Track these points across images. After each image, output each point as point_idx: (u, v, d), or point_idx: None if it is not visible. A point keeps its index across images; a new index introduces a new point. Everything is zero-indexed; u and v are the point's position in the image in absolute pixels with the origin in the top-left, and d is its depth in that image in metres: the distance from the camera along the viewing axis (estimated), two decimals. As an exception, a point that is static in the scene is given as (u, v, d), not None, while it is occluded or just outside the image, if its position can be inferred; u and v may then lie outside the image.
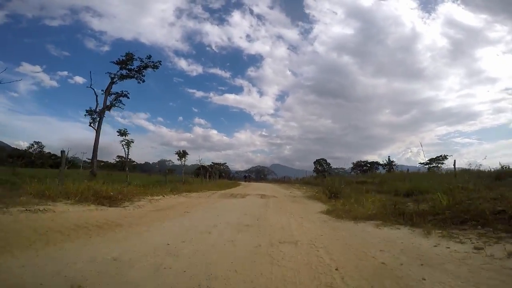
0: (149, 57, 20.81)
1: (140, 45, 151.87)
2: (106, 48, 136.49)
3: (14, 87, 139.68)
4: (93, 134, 20.03)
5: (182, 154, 36.35)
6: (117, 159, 75.98)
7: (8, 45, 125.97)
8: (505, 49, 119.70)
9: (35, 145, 51.15)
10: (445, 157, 32.22)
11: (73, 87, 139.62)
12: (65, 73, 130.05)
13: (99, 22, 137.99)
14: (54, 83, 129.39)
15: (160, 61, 21.68)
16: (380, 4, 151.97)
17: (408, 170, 32.02)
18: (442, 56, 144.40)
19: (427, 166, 32.94)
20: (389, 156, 46.37)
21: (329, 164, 78.93)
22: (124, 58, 20.31)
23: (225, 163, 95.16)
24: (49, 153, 49.52)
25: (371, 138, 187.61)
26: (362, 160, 48.65)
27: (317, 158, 79.00)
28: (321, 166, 77.88)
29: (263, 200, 11.35)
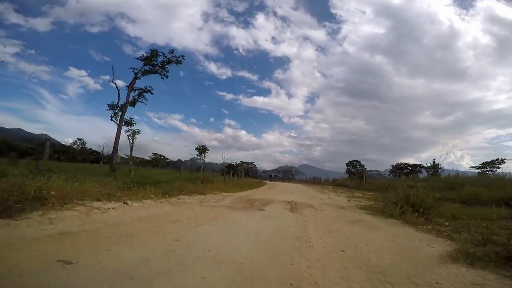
0: (172, 51, 20.03)
1: (172, 49, 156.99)
2: (142, 53, 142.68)
3: (64, 90, 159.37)
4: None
5: (202, 150, 33.46)
6: (152, 156, 77.95)
7: (56, 51, 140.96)
8: None
9: (78, 142, 54.19)
10: (502, 161, 25.86)
11: (114, 90, 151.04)
12: (107, 77, 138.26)
13: (134, 28, 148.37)
14: (98, 86, 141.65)
15: (183, 56, 20.72)
16: (411, 2, 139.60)
17: (458, 173, 25.79)
18: (487, 54, 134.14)
19: (479, 170, 26.66)
20: (434, 159, 38.86)
21: (363, 166, 71.66)
22: (148, 54, 19.86)
23: (253, 162, 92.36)
24: (91, 149, 51.96)
25: (409, 141, 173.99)
26: (402, 162, 41.62)
27: (350, 160, 72.32)
28: (354, 167, 70.91)
29: (294, 215, 6.71)
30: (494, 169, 25.50)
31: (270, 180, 54.87)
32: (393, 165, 40.19)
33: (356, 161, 71.52)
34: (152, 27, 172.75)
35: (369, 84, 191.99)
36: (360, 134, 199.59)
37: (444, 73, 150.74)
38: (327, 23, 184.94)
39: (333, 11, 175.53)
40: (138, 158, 68.34)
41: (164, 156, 75.64)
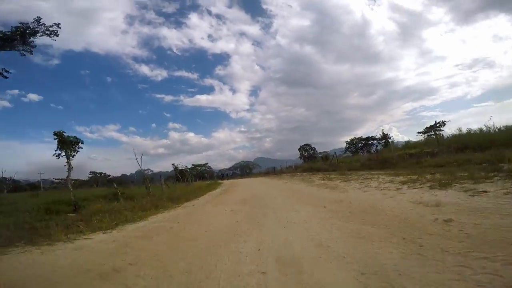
0: (39, 19, 13.40)
1: (93, 54, 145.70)
2: (56, 61, 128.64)
3: None
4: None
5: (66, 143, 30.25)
6: (90, 175, 68.96)
7: None
8: (446, 29, 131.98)
9: None
10: (443, 123, 28.88)
11: (28, 105, 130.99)
12: (16, 91, 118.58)
13: (41, 36, 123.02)
14: (6, 103, 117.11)
15: (59, 24, 13.88)
16: None
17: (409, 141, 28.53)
18: (394, 39, 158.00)
19: (425, 134, 29.66)
20: (382, 129, 42.59)
21: (314, 148, 75.38)
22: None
23: (207, 163, 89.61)
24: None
25: (344, 121, 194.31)
26: (355, 137, 43.67)
27: (301, 145, 75.27)
28: (306, 151, 74.13)
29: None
30: (438, 132, 27.33)
31: (223, 179, 53.72)
32: (347, 141, 41.90)
33: (307, 144, 74.67)
34: (65, 33, 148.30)
35: (303, 73, 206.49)
36: (303, 121, 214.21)
37: (363, 57, 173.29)
38: (260, 18, 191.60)
39: (264, 6, 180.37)
40: (72, 179, 60.25)
41: (104, 174, 70.75)
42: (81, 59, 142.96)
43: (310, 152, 73.65)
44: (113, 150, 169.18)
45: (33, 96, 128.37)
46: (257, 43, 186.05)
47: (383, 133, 37.97)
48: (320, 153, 75.03)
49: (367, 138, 39.71)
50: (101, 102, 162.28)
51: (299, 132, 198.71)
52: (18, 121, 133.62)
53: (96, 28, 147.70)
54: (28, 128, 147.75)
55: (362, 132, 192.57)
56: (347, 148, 40.47)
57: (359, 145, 40.93)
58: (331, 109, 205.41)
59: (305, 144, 74.39)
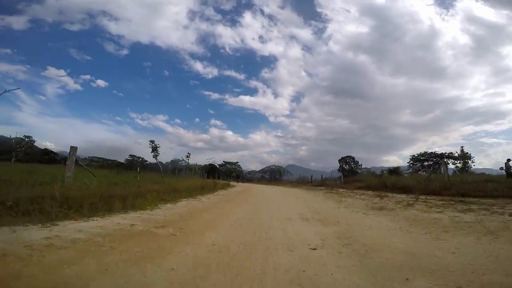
0: None
1: (156, 48, 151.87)
2: (125, 52, 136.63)
3: (42, 91, 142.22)
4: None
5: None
6: (129, 158, 69.06)
7: (34, 50, 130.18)
8: None
9: (26, 139, 46.18)
10: None
11: (95, 90, 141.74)
12: (88, 76, 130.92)
13: (117, 26, 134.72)
14: (78, 87, 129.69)
15: None
16: (394, 1, 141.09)
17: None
18: (465, 54, 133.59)
19: None
20: (462, 147, 31.05)
21: (357, 162, 64.61)
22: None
23: (237, 162, 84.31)
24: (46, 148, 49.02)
25: (391, 139, 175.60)
26: (425, 151, 32.46)
27: (342, 156, 65.08)
28: (347, 164, 63.70)
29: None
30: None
31: (238, 182, 48.27)
32: (411, 157, 31.36)
33: (349, 157, 64.26)
34: (136, 25, 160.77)
35: (353, 83, 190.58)
36: (345, 133, 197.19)
37: (424, 72, 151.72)
38: (313, 22, 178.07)
39: (319, 10, 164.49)
40: (109, 160, 58.41)
41: (142, 158, 69.78)
42: (146, 51, 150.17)
43: (352, 165, 63.22)
44: (158, 138, 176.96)
45: (100, 82, 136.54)
46: (307, 48, 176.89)
47: (462, 151, 27.36)
48: (364, 168, 64.68)
49: (441, 155, 28.98)
50: (155, 93, 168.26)
51: (339, 144, 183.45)
52: (85, 103, 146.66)
53: (162, 21, 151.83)
54: (90, 110, 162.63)
55: (408, 152, 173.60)
56: (410, 165, 29.80)
57: (426, 162, 30.20)
58: (379, 124, 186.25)
59: (347, 156, 64.11)
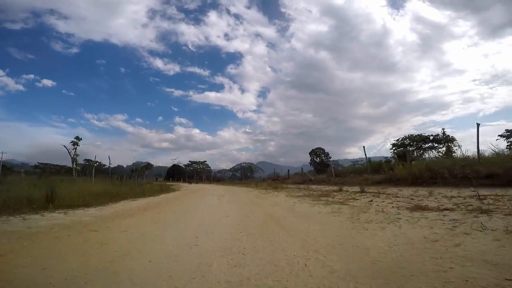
0: None
1: (111, 45, 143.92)
2: (75, 50, 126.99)
3: None
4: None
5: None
6: (85, 163, 62.14)
7: None
8: (469, 43, 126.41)
9: None
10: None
11: (42, 90, 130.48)
12: (31, 76, 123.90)
13: (66, 25, 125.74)
14: (20, 87, 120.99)
15: None
16: (352, 2, 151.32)
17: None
18: (413, 50, 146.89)
19: None
20: (443, 129, 29.35)
21: (328, 154, 63.60)
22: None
23: (205, 161, 79.60)
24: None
25: (351, 131, 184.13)
26: (411, 134, 28.64)
27: (312, 148, 63.67)
28: (318, 157, 62.41)
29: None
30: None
31: (190, 182, 45.64)
32: (394, 142, 27.71)
33: (320, 149, 62.78)
34: (88, 23, 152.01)
35: (315, 78, 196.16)
36: (309, 126, 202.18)
37: (378, 67, 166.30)
38: (277, 21, 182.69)
39: (283, 10, 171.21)
40: (54, 165, 50.86)
41: (100, 162, 64.25)
42: (99, 49, 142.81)
43: (323, 157, 61.99)
44: (118, 139, 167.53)
45: (47, 82, 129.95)
46: (271, 45, 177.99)
47: (444, 134, 25.96)
48: (332, 161, 63.83)
49: (424, 139, 26.75)
50: (112, 91, 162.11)
51: (304, 138, 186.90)
52: (29, 105, 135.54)
53: (118, 19, 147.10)
54: (37, 112, 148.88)
55: (367, 143, 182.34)
56: (395, 151, 26.81)
57: (410, 147, 27.58)
58: (339, 117, 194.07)
59: (317, 148, 62.62)
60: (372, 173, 14.48)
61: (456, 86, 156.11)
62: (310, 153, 61.73)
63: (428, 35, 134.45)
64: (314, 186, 14.25)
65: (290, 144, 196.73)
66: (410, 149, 25.05)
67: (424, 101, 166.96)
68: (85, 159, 62.34)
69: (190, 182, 46.85)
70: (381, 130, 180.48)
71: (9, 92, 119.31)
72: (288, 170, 31.52)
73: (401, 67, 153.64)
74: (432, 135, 26.41)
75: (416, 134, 27.69)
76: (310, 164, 59.49)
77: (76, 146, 22.01)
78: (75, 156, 22.85)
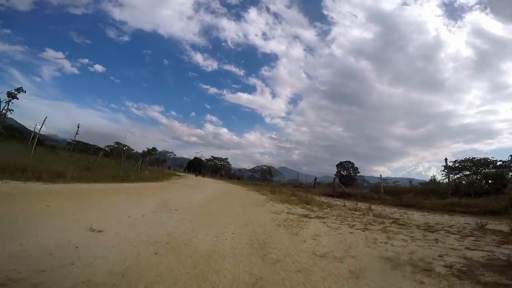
0: None
1: (158, 36, 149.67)
2: (126, 38, 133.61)
3: (38, 72, 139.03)
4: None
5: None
6: (113, 145, 64.00)
7: (34, 31, 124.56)
8: None
9: None
10: None
11: (93, 75, 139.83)
12: (86, 60, 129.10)
13: (120, 12, 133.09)
14: (75, 70, 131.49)
15: None
16: (403, 9, 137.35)
17: None
18: (466, 67, 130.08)
19: None
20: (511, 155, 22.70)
21: (357, 168, 57.72)
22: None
23: (226, 158, 77.68)
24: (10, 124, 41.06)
25: (382, 150, 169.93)
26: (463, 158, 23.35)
27: (341, 161, 58.01)
28: (346, 170, 56.75)
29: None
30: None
31: (197, 175, 43.79)
32: (455, 162, 22.21)
33: (348, 162, 57.24)
34: (140, 12, 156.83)
35: (351, 89, 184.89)
36: (338, 140, 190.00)
37: (422, 83, 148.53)
38: (318, 24, 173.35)
39: (325, 12, 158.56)
40: (87, 144, 51.67)
41: (128, 147, 66.96)
42: (147, 39, 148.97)
43: (351, 171, 56.23)
44: (151, 129, 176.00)
45: (98, 67, 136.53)
46: (309, 49, 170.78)
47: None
48: (359, 176, 57.71)
49: (488, 163, 21.07)
50: (153, 82, 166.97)
51: (331, 152, 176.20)
52: (80, 87, 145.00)
53: (167, 10, 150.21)
54: (85, 95, 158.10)
55: (398, 165, 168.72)
56: (452, 169, 21.43)
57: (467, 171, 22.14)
58: (372, 135, 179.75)
59: (346, 161, 57.06)
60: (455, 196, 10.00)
61: (509, 112, 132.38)
62: (338, 165, 56.43)
63: (486, 51, 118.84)
64: (362, 205, 10.20)
65: (315, 155, 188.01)
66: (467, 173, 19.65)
67: (469, 126, 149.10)
68: (115, 142, 65.76)
69: (196, 175, 44.90)
70: (415, 153, 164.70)
71: (65, 74, 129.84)
72: (315, 178, 27.12)
73: (448, 85, 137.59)
74: (501, 160, 20.60)
75: (482, 157, 21.99)
76: (336, 177, 54.16)
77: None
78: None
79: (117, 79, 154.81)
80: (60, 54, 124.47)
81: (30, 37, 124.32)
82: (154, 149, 25.59)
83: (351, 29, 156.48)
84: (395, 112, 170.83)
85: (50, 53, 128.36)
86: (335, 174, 55.57)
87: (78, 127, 23.36)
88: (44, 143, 38.83)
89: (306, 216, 7.16)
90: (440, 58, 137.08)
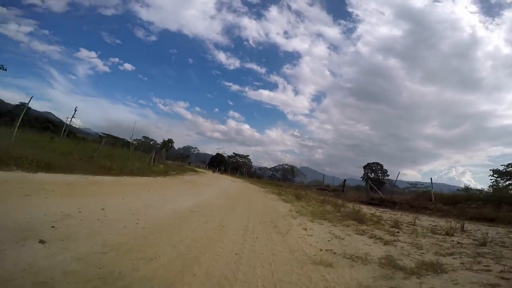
0: None
1: (183, 36, 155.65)
2: (153, 38, 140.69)
3: (74, 70, 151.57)
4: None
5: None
6: (142, 139, 66.73)
7: (69, 31, 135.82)
8: None
9: (21, 106, 42.92)
10: None
11: (122, 73, 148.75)
12: (117, 59, 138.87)
13: (147, 13, 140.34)
14: (107, 69, 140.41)
15: None
16: (434, 6, 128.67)
17: None
18: (505, 65, 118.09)
19: None
20: None
21: (386, 171, 53.37)
22: None
23: (248, 155, 76.56)
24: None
25: (412, 151, 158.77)
26: None
27: (368, 162, 53.95)
28: (374, 172, 52.67)
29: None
30: None
31: (214, 172, 42.95)
32: (506, 165, 18.72)
33: (377, 164, 53.11)
34: (165, 12, 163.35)
35: (379, 87, 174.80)
36: (364, 139, 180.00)
37: (457, 82, 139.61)
38: (342, 22, 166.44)
39: (350, 9, 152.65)
40: (116, 138, 53.53)
41: (155, 141, 69.46)
42: (173, 39, 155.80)
43: (379, 174, 52.01)
44: (177, 124, 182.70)
45: (127, 66, 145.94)
46: (333, 47, 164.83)
47: None
48: (388, 179, 53.27)
49: None
50: (178, 79, 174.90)
51: (356, 151, 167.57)
52: (111, 84, 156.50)
53: (191, 10, 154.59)
54: (115, 91, 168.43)
55: (428, 168, 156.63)
56: (502, 174, 18.11)
57: None
58: (401, 134, 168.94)
59: (374, 163, 52.98)
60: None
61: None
62: (365, 167, 52.54)
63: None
64: (420, 218, 7.74)
65: (340, 155, 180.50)
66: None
67: (509, 128, 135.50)
68: (143, 136, 68.97)
69: (213, 171, 43.90)
70: (448, 156, 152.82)
71: (98, 72, 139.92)
72: (344, 180, 24.44)
73: (487, 84, 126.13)
74: None
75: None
76: (362, 179, 50.37)
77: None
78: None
79: (145, 77, 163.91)
80: (93, 54, 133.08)
81: (65, 37, 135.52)
82: (170, 140, 25.22)
83: (378, 27, 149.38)
84: (427, 111, 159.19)
85: (84, 52, 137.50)
86: (361, 177, 51.89)
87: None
88: (76, 135, 40.74)
89: (395, 268, 3.55)
90: (477, 56, 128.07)
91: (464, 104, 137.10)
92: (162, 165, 16.30)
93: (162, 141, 47.01)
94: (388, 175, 53.26)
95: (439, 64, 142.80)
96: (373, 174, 51.64)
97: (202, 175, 22.91)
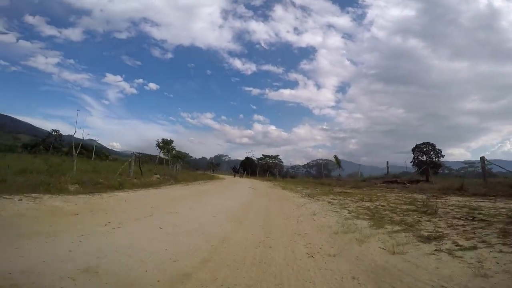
0: None
1: (197, 49, 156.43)
2: (169, 55, 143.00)
3: (105, 95, 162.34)
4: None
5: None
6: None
7: (92, 58, 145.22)
8: None
9: (55, 133, 47.95)
10: None
11: (149, 92, 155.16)
12: (141, 80, 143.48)
13: (159, 31, 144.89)
14: (134, 90, 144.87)
15: None
16: None
17: None
18: None
19: None
20: None
21: (440, 151, 45.35)
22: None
23: (277, 155, 72.61)
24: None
25: (455, 128, 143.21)
26: None
27: (417, 144, 46.28)
28: (426, 154, 45.01)
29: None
30: None
31: (235, 176, 40.90)
32: None
33: (427, 144, 45.25)
34: (175, 29, 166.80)
35: (405, 70, 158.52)
36: (399, 124, 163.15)
37: (490, 55, 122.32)
38: (350, 9, 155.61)
39: None
40: (150, 155, 53.81)
41: (188, 154, 70.79)
42: (189, 53, 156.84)
43: (432, 156, 44.18)
44: (206, 135, 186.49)
45: (152, 85, 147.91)
46: (348, 36, 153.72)
47: None
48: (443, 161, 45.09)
49: None
50: (201, 92, 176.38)
51: (394, 136, 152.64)
52: (141, 105, 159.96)
53: (199, 23, 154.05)
54: (146, 111, 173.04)
55: (478, 144, 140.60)
56: None
57: None
58: (439, 113, 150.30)
59: (423, 144, 45.27)
60: None
61: None
62: (413, 150, 45.08)
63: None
64: None
65: (375, 142, 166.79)
66: None
67: None
68: (175, 151, 70.50)
69: (234, 176, 41.33)
70: (498, 128, 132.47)
71: (127, 95, 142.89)
72: (427, 166, 18.99)
73: None
74: None
75: None
76: (413, 164, 43.13)
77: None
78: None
79: (170, 94, 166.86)
80: (118, 77, 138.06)
81: (90, 64, 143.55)
82: (171, 141, 24.36)
83: (388, 9, 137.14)
84: (464, 87, 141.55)
85: (110, 77, 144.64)
86: (411, 161, 44.59)
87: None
88: (117, 159, 40.89)
89: None
90: (503, 26, 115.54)
91: (503, 76, 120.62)
92: (158, 175, 13.18)
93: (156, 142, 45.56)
94: (443, 156, 45.38)
95: (465, 39, 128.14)
96: (424, 157, 44.13)
97: (215, 182, 20.02)
